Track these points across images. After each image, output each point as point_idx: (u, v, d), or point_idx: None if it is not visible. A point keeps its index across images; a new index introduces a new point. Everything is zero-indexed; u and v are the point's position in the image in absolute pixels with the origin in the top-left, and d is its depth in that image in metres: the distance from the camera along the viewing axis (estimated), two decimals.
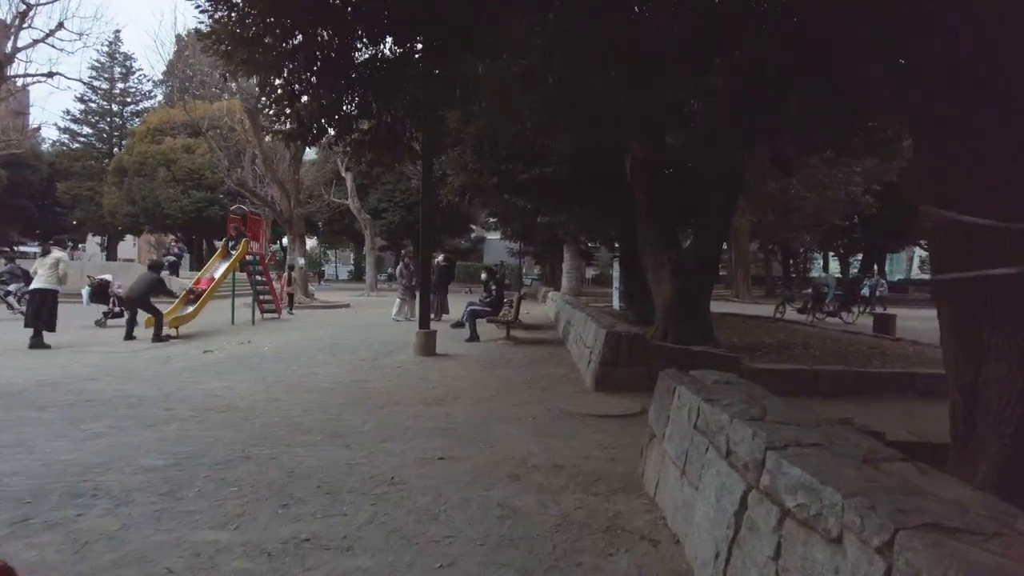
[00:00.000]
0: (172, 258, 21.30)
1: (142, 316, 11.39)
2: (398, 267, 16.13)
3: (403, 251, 38.39)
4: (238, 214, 15.53)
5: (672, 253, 9.22)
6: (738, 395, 3.36)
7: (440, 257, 16.03)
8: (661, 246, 9.51)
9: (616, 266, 19.00)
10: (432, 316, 15.89)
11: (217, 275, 13.68)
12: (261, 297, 15.89)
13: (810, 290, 17.85)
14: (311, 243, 69.54)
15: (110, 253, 48.48)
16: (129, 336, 11.03)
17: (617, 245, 26.52)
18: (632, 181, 9.51)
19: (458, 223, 40.79)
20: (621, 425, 5.50)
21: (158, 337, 10.90)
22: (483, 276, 12.19)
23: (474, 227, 55.98)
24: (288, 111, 5.76)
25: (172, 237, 39.22)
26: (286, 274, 18.81)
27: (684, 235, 12.25)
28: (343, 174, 30.10)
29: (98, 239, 51.78)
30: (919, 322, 18.22)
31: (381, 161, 7.58)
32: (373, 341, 11.31)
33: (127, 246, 59.13)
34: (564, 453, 4.63)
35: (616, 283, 17.89)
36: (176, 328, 11.74)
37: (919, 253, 56.87)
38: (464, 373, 8.07)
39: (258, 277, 15.50)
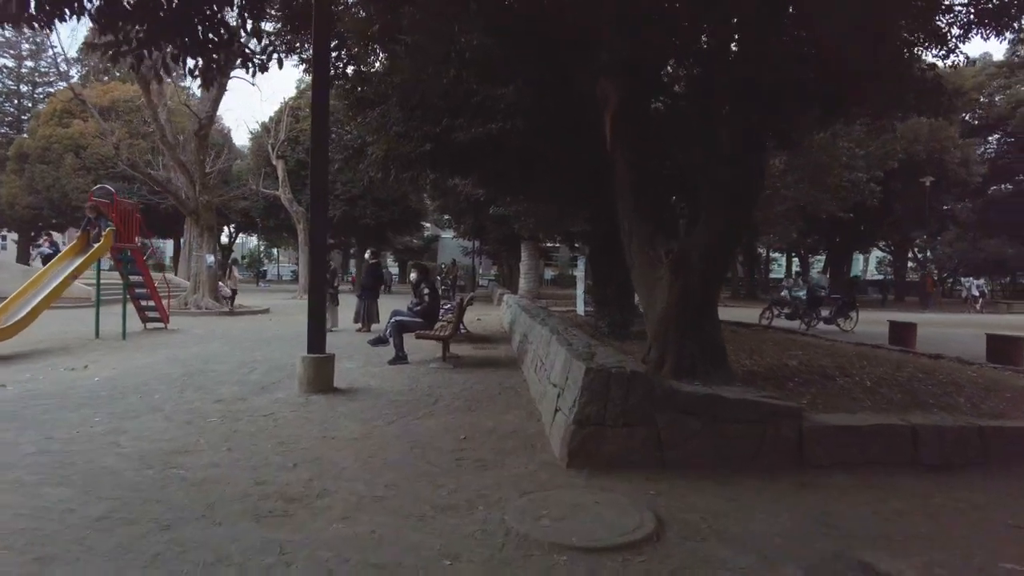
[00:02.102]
0: (46, 251, 17.60)
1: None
2: None
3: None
4: (101, 196, 12.17)
5: (670, 245, 6.53)
6: None
7: (368, 254, 13.12)
8: (653, 236, 6.82)
9: (581, 265, 16.34)
10: (358, 327, 12.96)
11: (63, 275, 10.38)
12: (141, 303, 12.64)
13: (803, 292, 15.53)
14: (253, 240, 65.13)
15: (22, 251, 43.42)
16: None
17: (577, 244, 23.93)
18: (611, 145, 6.79)
19: (408, 219, 37.66)
20: None
21: None
22: (412, 276, 9.30)
23: (427, 224, 53.00)
24: None
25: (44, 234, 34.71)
26: (227, 270, 19.29)
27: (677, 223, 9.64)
28: (274, 161, 26.79)
29: (15, 235, 46.33)
30: (924, 329, 16.07)
31: (194, 71, 4.65)
32: (258, 365, 8.32)
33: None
34: None
35: (581, 285, 15.20)
36: None
37: (876, 253, 56.17)
38: (360, 430, 5.17)
39: (133, 278, 12.24)
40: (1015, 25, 7.28)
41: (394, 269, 54.79)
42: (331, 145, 10.19)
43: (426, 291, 8.64)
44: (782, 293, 17.12)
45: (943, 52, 7.63)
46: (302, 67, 6.62)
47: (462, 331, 12.21)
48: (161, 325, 12.87)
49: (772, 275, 54.85)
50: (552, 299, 23.90)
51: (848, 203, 17.61)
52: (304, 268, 26.75)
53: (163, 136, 16.81)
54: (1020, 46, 29.47)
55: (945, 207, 32.42)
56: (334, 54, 9.14)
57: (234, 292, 18.85)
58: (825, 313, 15.37)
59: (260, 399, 6.24)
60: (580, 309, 15.12)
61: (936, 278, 40.81)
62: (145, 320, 12.67)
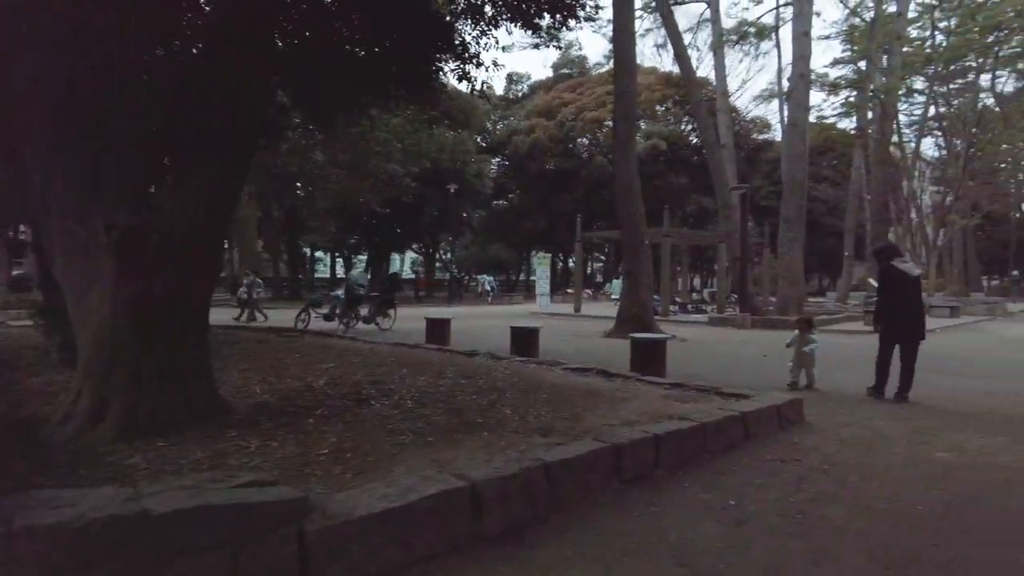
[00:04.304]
0: None
1: None
2: None
3: None
4: None
5: (118, 217, 3.93)
6: None
7: None
8: (88, 202, 4.13)
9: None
10: None
11: None
12: None
13: (342, 291, 14.35)
14: None
15: None
16: None
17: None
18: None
19: None
20: None
21: None
22: None
23: None
24: None
25: None
26: None
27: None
28: None
29: None
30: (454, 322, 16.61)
31: None
32: None
33: None
34: None
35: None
36: None
37: (410, 255, 61.77)
38: None
39: None
40: (548, 26, 7.29)
41: None
42: None
43: None
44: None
45: (478, 31, 7.22)
46: None
47: None
48: None
49: (317, 275, 54.62)
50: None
51: (385, 196, 17.41)
52: None
53: None
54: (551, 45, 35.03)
55: (464, 214, 37.02)
56: None
57: None
58: (364, 312, 14.54)
59: None
60: None
61: (454, 276, 47.14)
62: None
